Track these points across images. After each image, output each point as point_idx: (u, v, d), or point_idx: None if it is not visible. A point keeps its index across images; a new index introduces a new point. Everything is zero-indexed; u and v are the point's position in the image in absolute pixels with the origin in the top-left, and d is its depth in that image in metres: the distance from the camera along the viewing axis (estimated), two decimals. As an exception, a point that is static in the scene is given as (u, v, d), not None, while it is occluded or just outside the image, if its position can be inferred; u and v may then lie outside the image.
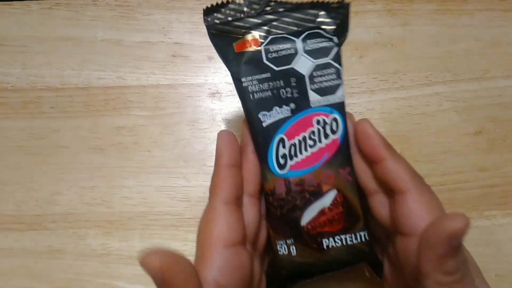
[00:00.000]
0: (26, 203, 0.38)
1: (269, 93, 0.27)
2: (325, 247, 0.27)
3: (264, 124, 0.27)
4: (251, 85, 0.27)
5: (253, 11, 0.28)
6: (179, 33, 0.42)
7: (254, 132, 0.28)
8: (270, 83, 0.27)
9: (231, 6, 0.28)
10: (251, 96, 0.27)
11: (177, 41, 0.41)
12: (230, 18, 0.28)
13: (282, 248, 0.27)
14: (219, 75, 0.41)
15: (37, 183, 0.38)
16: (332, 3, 0.28)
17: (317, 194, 0.27)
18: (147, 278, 0.36)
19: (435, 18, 0.42)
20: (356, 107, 0.40)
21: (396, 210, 0.25)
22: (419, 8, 0.42)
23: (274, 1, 0.28)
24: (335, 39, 0.28)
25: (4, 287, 0.36)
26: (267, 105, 0.27)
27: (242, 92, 0.28)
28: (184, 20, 0.42)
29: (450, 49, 0.41)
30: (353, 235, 0.27)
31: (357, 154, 0.28)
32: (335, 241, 0.27)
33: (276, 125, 0.27)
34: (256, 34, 0.28)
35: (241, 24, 0.28)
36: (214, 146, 0.39)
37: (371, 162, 0.27)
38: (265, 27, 0.28)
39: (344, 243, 0.27)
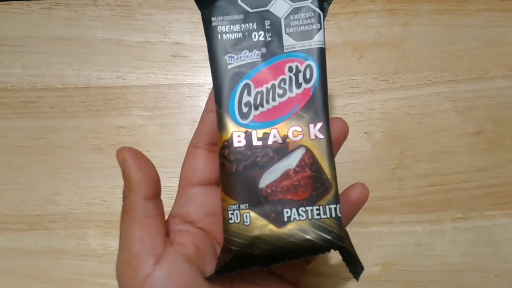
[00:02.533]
0: (26, 203, 0.38)
1: (240, 35, 0.25)
2: (285, 218, 0.23)
3: (229, 67, 0.25)
4: (221, 25, 0.25)
5: None
6: (179, 33, 0.42)
7: (217, 76, 0.25)
8: (242, 25, 0.25)
9: None
10: (219, 36, 0.25)
11: (177, 41, 0.41)
12: None
13: (234, 216, 0.23)
14: (219, 75, 0.41)
15: (37, 183, 0.38)
16: None
17: (282, 151, 0.24)
18: (147, 278, 0.36)
19: (435, 18, 0.42)
20: (356, 107, 0.40)
21: None
22: (419, 8, 0.42)
23: None
24: None
25: (4, 287, 0.36)
26: (235, 47, 0.25)
27: (210, 32, 0.25)
28: (184, 20, 0.42)
29: (450, 49, 0.41)
30: (321, 208, 0.23)
31: None
32: (298, 214, 0.23)
33: (243, 70, 0.25)
34: None
35: None
36: (214, 146, 0.40)
37: None
38: None
39: (309, 216, 0.23)
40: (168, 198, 0.38)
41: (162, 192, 0.38)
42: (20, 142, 0.39)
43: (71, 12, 0.42)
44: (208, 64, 0.41)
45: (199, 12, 0.42)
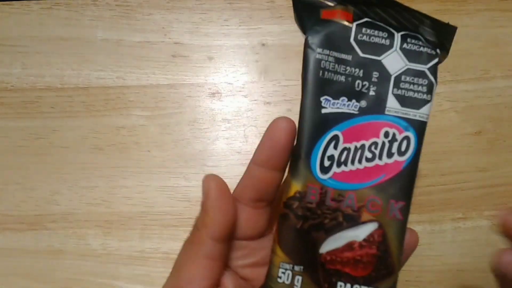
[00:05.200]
0: (26, 203, 0.38)
1: (343, 78, 0.22)
2: None
3: (323, 111, 0.22)
4: (325, 61, 0.22)
5: None
6: (179, 33, 0.42)
7: (307, 116, 0.22)
8: (348, 68, 0.22)
9: None
10: (320, 72, 0.22)
11: (177, 41, 0.41)
12: None
13: (284, 275, 0.22)
14: (219, 75, 0.41)
15: (37, 183, 0.38)
16: (440, 21, 0.25)
17: (353, 219, 0.22)
18: (147, 278, 0.36)
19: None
20: (356, 107, 0.40)
21: None
22: (419, 8, 0.42)
23: None
24: (438, 50, 0.23)
25: (4, 287, 0.36)
26: (334, 90, 0.22)
27: (311, 64, 0.22)
28: (184, 20, 0.42)
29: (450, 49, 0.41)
30: None
31: None
32: None
33: (336, 118, 0.22)
34: (351, 8, 0.23)
35: None
36: (214, 146, 0.40)
37: None
38: (363, 7, 0.23)
39: None
40: (168, 198, 0.38)
41: (162, 192, 0.38)
42: (20, 142, 0.39)
43: (71, 12, 0.42)
44: (208, 64, 0.41)
45: (199, 12, 0.42)
